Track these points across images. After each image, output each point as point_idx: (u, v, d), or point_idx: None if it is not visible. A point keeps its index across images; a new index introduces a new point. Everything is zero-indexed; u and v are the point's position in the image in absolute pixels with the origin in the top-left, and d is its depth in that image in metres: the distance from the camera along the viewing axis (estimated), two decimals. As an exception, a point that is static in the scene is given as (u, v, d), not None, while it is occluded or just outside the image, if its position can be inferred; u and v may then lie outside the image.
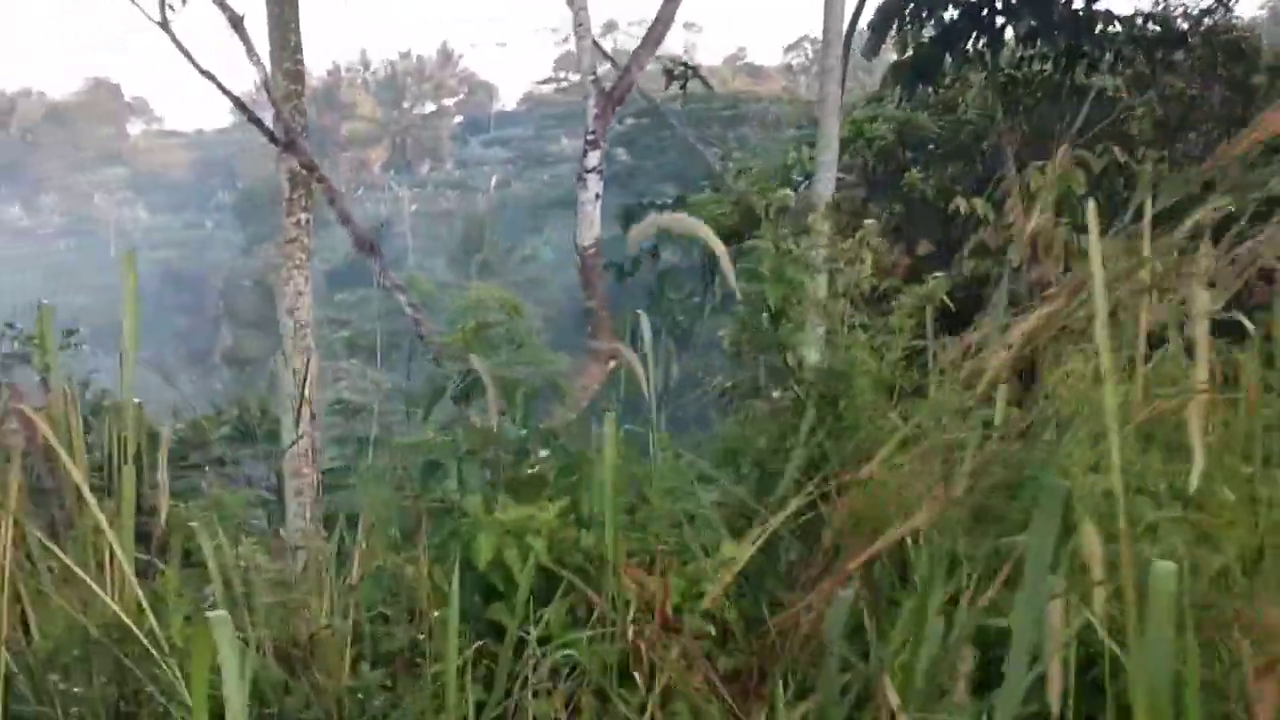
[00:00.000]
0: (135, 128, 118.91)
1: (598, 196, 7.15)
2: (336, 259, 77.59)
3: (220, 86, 8.44)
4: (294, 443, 7.03)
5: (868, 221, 4.05)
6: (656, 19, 7.53)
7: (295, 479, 10.33)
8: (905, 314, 3.95)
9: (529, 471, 3.90)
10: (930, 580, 2.22)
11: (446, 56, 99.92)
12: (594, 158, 7.11)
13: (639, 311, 3.87)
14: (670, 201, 13.35)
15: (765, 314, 3.65)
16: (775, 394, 4.27)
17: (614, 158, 63.48)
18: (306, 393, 6.94)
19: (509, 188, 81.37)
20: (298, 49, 9.92)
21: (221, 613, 1.84)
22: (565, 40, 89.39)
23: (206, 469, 16.33)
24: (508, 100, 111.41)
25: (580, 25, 7.21)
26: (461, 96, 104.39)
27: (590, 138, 7.11)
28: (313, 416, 7.13)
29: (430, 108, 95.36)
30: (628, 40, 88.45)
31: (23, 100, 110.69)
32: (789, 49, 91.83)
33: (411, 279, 25.52)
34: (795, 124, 54.32)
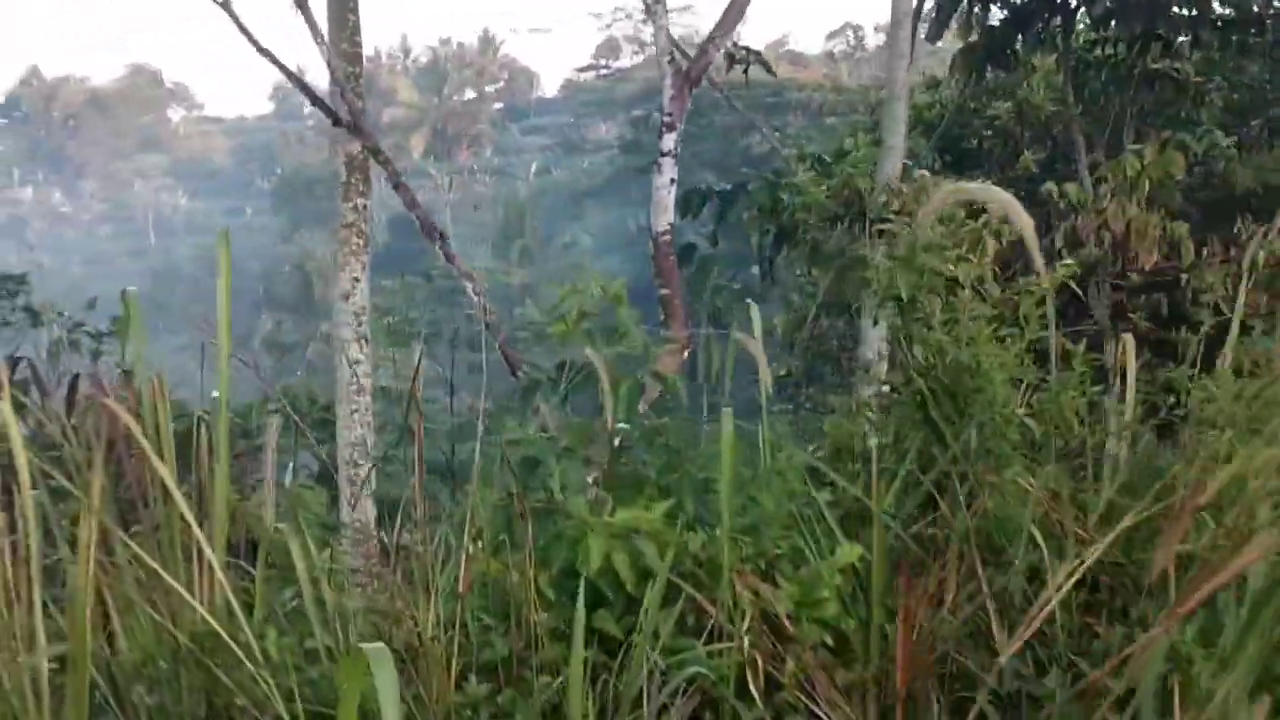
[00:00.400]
0: (176, 114, 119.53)
1: (673, 181, 6.90)
2: (375, 245, 77.58)
3: (280, 66, 8.26)
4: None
5: (991, 204, 3.77)
6: (733, 1, 7.27)
7: (349, 468, 10.17)
8: (1033, 302, 3.68)
9: (627, 469, 3.66)
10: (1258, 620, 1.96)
11: (487, 43, 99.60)
12: (669, 140, 6.86)
13: (749, 301, 3.64)
14: (730, 187, 13.08)
15: (893, 303, 3.39)
16: (880, 388, 4.01)
17: (653, 146, 62.94)
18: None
19: (548, 175, 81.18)
20: (356, 30, 9.73)
21: (379, 645, 1.63)
22: (608, 26, 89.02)
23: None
24: (548, 87, 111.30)
25: (658, 3, 6.95)
26: (502, 83, 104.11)
27: (666, 119, 6.85)
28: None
29: (470, 95, 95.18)
30: (669, 26, 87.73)
31: (64, 86, 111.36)
32: (831, 36, 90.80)
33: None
34: (835, 111, 53.88)
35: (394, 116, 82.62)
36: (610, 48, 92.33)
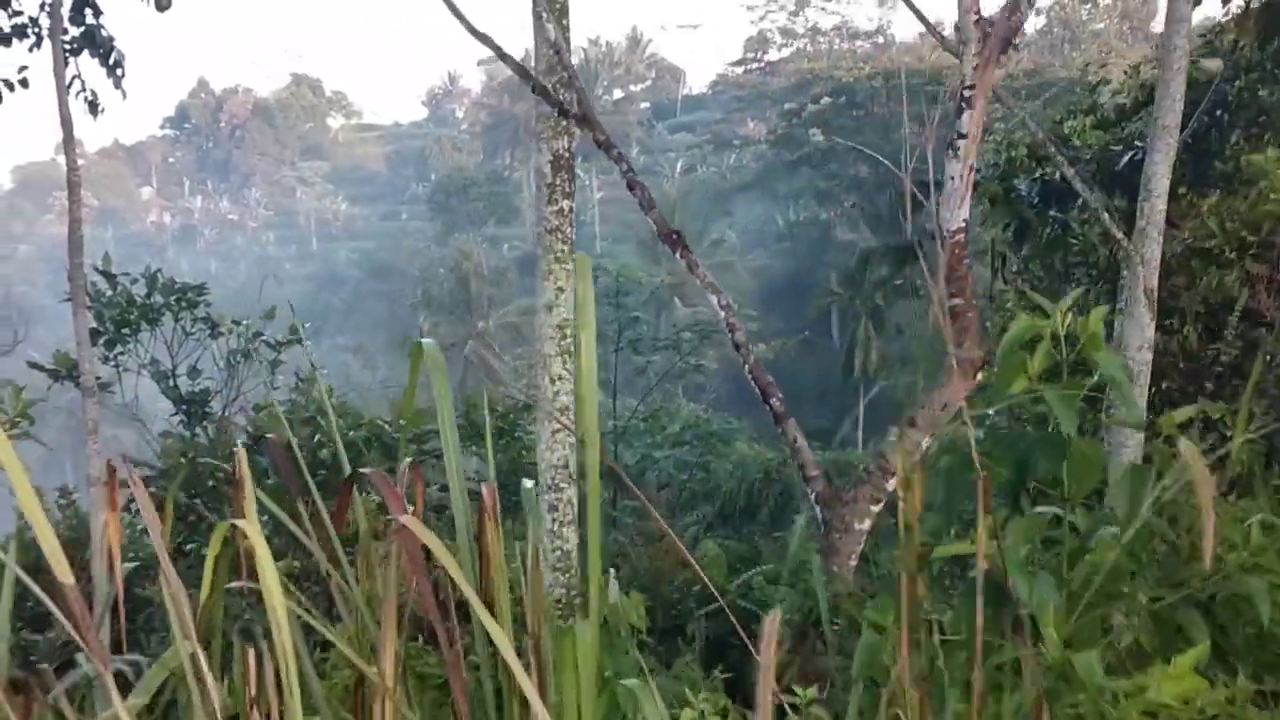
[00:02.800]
0: (335, 122, 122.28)
1: (972, 169, 5.71)
2: (525, 246, 77.95)
3: (499, 53, 7.33)
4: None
5: None
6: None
7: (550, 493, 9.20)
8: None
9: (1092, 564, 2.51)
10: None
11: (635, 42, 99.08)
12: (968, 120, 5.67)
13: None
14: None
15: None
16: None
17: (808, 138, 61.48)
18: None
19: (694, 173, 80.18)
20: (564, 13, 8.79)
21: None
22: (761, 19, 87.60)
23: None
24: (695, 84, 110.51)
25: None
26: (649, 82, 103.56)
27: (967, 95, 5.66)
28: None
29: (619, 94, 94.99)
30: (821, 16, 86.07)
31: (230, 97, 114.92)
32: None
33: (624, 267, 24.32)
34: (997, 97, 51.49)
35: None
36: (758, 42, 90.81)
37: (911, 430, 6.18)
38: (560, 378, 9.14)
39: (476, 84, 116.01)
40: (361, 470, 2.20)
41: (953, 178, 5.75)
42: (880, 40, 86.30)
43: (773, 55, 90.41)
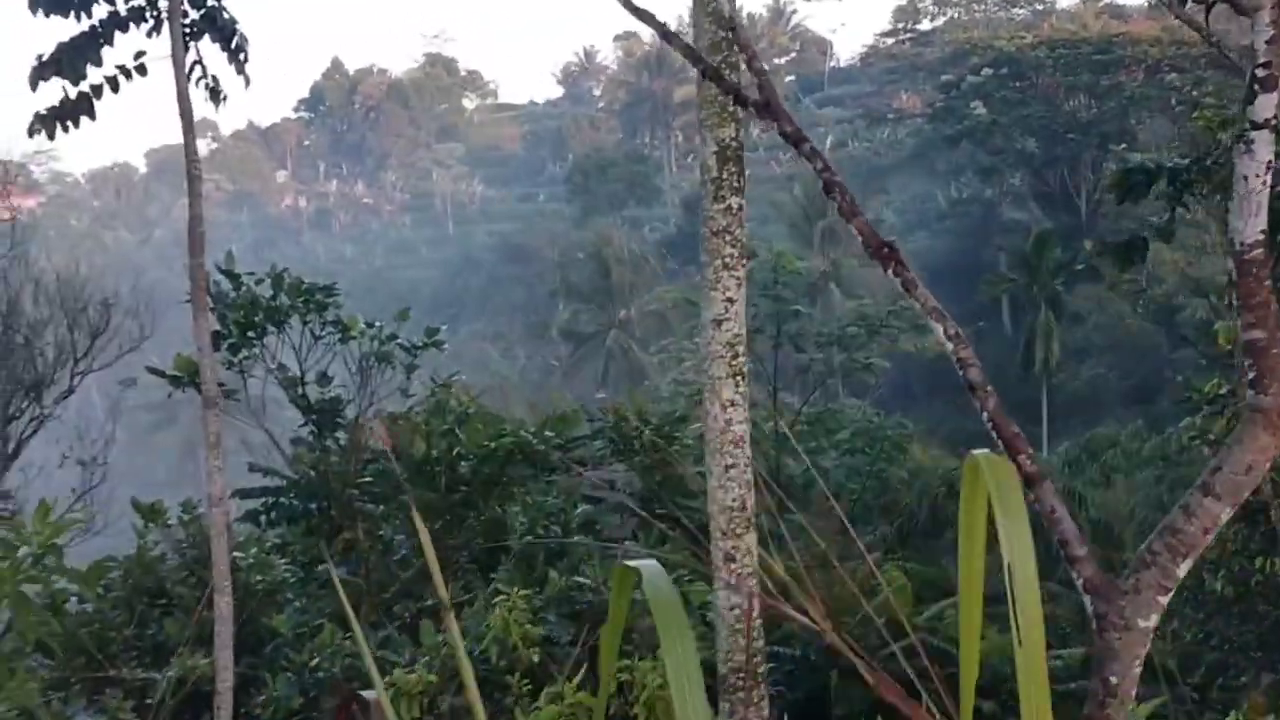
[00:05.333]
0: (470, 102, 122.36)
1: (1269, 166, 4.23)
2: (666, 228, 76.75)
3: (664, 33, 6.13)
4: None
5: None
6: None
7: (726, 540, 7.92)
8: None
9: None
10: None
11: (778, 13, 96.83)
12: (1268, 104, 4.19)
13: None
14: (1187, 161, 10.12)
15: None
16: None
17: (968, 111, 58.83)
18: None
19: (845, 148, 77.76)
20: (726, -14, 7.57)
21: None
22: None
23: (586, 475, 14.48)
24: (842, 55, 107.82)
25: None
26: (794, 54, 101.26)
27: (1261, 72, 4.20)
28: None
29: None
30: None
31: (364, 78, 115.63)
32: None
33: (780, 255, 22.70)
34: (1178, 67, 48.48)
35: (687, 95, 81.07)
36: (909, 11, 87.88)
37: (1208, 500, 4.70)
38: (732, 403, 7.78)
39: (613, 60, 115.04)
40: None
41: (1245, 177, 4.27)
42: (1040, 7, 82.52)
43: (924, 25, 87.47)
